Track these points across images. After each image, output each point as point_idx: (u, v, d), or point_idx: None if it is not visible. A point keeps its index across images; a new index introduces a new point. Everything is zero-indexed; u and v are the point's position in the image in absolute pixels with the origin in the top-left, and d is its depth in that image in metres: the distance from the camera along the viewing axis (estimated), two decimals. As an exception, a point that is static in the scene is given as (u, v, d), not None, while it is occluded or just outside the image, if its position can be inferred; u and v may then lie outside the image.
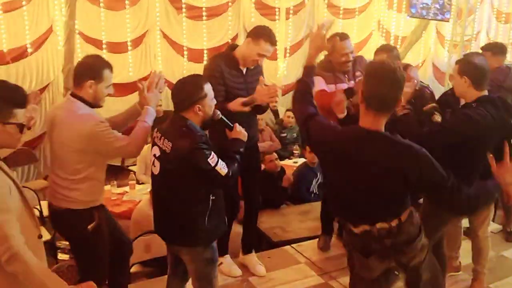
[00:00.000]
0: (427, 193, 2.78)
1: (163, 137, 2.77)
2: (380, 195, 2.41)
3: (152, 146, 2.85)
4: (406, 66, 3.65)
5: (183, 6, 7.80)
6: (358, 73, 3.87)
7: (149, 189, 4.74)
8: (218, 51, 8.10)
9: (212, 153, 2.68)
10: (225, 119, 2.96)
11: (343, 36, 3.82)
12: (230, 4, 8.18)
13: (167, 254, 3.18)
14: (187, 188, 2.75)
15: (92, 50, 7.25)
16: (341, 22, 9.36)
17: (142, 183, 5.78)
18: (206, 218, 2.80)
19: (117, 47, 7.46)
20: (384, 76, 2.33)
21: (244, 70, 3.55)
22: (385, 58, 3.54)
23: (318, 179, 5.69)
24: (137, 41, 7.61)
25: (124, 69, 7.60)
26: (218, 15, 8.12)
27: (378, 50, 4.07)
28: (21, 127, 2.23)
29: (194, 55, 8.05)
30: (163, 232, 2.99)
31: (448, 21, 9.04)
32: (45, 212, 5.17)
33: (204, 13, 7.97)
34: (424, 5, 8.66)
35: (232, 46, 3.63)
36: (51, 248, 5.03)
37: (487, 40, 11.36)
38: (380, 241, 2.48)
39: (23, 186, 5.26)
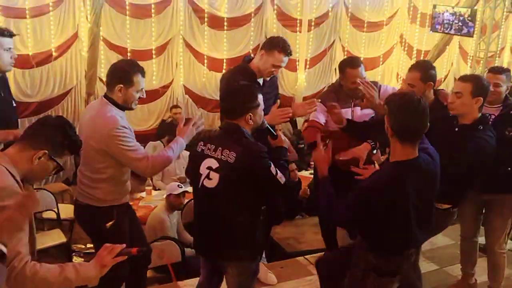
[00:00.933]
0: None
1: (220, 148, 2.68)
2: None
3: (203, 159, 2.74)
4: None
5: (206, 15, 7.89)
6: None
7: (164, 195, 4.79)
8: (238, 61, 8.21)
9: (271, 162, 2.66)
10: (270, 128, 2.90)
11: (355, 64, 3.74)
12: (252, 15, 8.25)
13: (201, 266, 3.08)
14: (249, 199, 2.70)
15: (115, 57, 7.37)
16: (364, 36, 9.37)
17: (159, 189, 5.83)
18: (258, 230, 2.78)
19: (141, 55, 7.56)
20: (413, 109, 2.38)
21: (261, 82, 3.49)
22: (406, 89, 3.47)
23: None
24: (161, 49, 7.72)
25: (147, 76, 7.65)
26: (241, 25, 8.20)
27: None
28: (58, 169, 2.24)
29: (214, 64, 8.12)
30: (211, 247, 2.86)
31: (471, 37, 8.96)
32: (62, 215, 5.28)
33: (225, 23, 8.05)
34: (446, 21, 8.62)
35: (248, 59, 3.56)
36: (66, 251, 5.10)
37: (511, 57, 11.24)
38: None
39: (42, 189, 5.41)
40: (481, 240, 3.95)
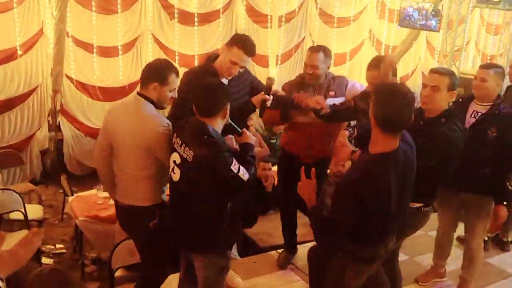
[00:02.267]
0: None
1: (184, 144, 2.71)
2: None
3: (173, 152, 2.79)
4: None
5: (176, 11, 7.80)
6: (331, 93, 3.73)
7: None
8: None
9: (234, 159, 2.65)
10: (233, 124, 2.89)
11: (314, 48, 3.76)
12: (222, 11, 8.20)
13: (180, 260, 3.12)
14: (208, 195, 2.72)
15: (82, 53, 7.25)
16: (334, 31, 9.43)
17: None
18: (224, 224, 2.79)
19: (108, 51, 7.45)
20: (397, 100, 2.37)
21: (226, 82, 3.32)
22: (392, 80, 3.46)
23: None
24: (129, 46, 7.60)
25: (114, 73, 7.58)
26: (211, 21, 8.14)
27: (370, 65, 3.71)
28: None
29: (186, 61, 8.05)
30: (180, 238, 2.94)
31: (438, 32, 9.12)
32: (30, 215, 5.16)
33: (196, 19, 7.99)
34: (411, 16, 8.77)
35: (212, 57, 3.44)
36: (35, 252, 4.98)
37: (476, 51, 11.49)
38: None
39: (7, 189, 5.28)
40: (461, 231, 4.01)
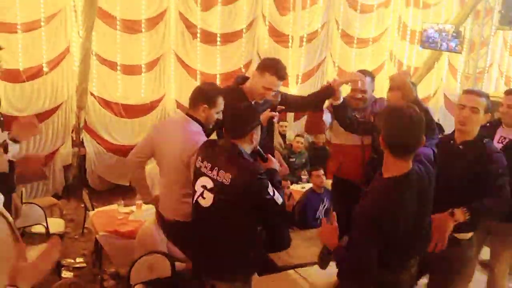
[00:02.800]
0: None
1: (217, 168, 2.68)
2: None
3: (199, 176, 2.76)
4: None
5: (198, 31, 7.93)
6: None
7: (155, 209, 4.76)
8: (231, 76, 8.29)
9: (269, 183, 2.64)
10: (260, 149, 2.87)
11: (362, 72, 3.82)
12: (244, 31, 8.31)
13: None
14: (243, 220, 2.68)
15: (107, 71, 7.39)
16: (354, 52, 9.46)
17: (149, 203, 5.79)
18: (253, 251, 2.77)
19: (132, 70, 7.59)
20: (404, 122, 2.32)
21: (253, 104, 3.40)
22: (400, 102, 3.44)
23: (324, 205, 5.65)
24: (152, 64, 7.73)
25: (137, 91, 7.71)
26: (233, 41, 8.25)
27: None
28: None
29: (207, 79, 8.13)
30: (205, 266, 2.87)
31: (460, 53, 9.08)
32: (52, 229, 5.23)
33: (218, 39, 8.10)
34: (432, 38, 8.76)
35: (241, 79, 3.52)
36: (55, 265, 5.04)
37: (499, 73, 11.38)
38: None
39: (30, 203, 5.36)
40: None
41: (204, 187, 2.71)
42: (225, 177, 2.62)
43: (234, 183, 2.59)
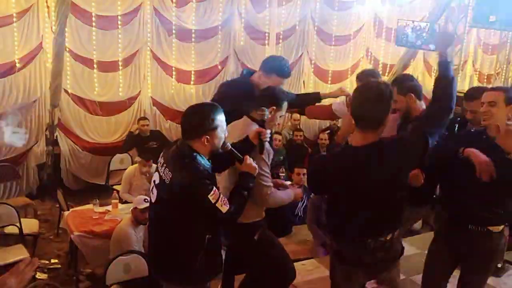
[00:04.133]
0: None
1: (165, 165, 2.65)
2: (383, 207, 2.53)
3: (155, 171, 2.75)
4: None
5: (174, 27, 7.86)
6: None
7: (131, 208, 4.72)
8: (207, 73, 8.26)
9: (214, 188, 2.56)
10: (234, 151, 2.81)
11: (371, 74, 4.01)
12: (220, 27, 8.26)
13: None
14: (182, 223, 2.60)
15: (81, 68, 7.27)
16: (331, 49, 9.49)
17: (126, 202, 5.73)
18: (199, 258, 2.65)
19: (108, 66, 7.48)
20: (367, 97, 2.48)
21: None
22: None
23: (304, 202, 5.67)
24: (127, 61, 7.63)
25: (113, 88, 7.60)
26: (209, 38, 8.19)
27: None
28: None
29: (183, 76, 8.09)
30: (155, 265, 2.83)
31: (434, 51, 9.17)
32: (25, 230, 5.14)
33: (194, 35, 8.04)
34: (407, 36, 8.83)
35: (247, 73, 3.76)
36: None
37: (473, 71, 11.57)
38: (373, 254, 2.59)
39: (3, 203, 5.26)
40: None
41: (154, 182, 2.73)
42: (167, 175, 2.60)
43: (173, 182, 2.56)
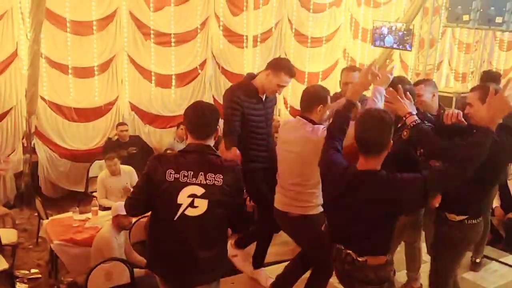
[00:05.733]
0: None
1: (202, 173, 2.65)
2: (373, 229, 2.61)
3: (181, 188, 2.65)
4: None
5: (152, 32, 7.82)
6: None
7: (112, 216, 4.66)
8: (186, 76, 8.24)
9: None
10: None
11: (349, 68, 4.33)
12: (198, 31, 8.25)
13: None
14: (227, 220, 2.80)
15: (57, 74, 7.19)
16: (308, 51, 9.55)
17: (106, 209, 5.67)
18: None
19: (83, 72, 7.40)
20: (369, 123, 2.57)
21: (263, 98, 3.84)
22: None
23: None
24: (104, 66, 7.57)
25: (90, 94, 7.54)
26: (187, 41, 8.17)
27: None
28: None
29: (162, 81, 8.05)
30: (192, 273, 2.75)
31: (410, 51, 9.31)
32: (4, 240, 5.06)
33: (172, 39, 8.02)
34: (383, 36, 8.95)
35: (251, 76, 3.90)
36: (9, 277, 4.88)
37: (449, 69, 11.74)
38: (341, 264, 2.73)
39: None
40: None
41: (194, 195, 2.65)
42: (216, 178, 2.67)
43: (228, 181, 2.69)
